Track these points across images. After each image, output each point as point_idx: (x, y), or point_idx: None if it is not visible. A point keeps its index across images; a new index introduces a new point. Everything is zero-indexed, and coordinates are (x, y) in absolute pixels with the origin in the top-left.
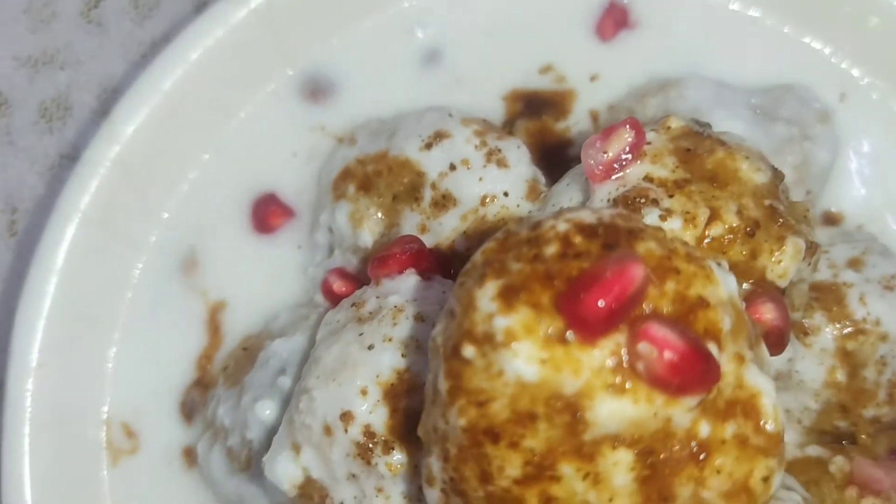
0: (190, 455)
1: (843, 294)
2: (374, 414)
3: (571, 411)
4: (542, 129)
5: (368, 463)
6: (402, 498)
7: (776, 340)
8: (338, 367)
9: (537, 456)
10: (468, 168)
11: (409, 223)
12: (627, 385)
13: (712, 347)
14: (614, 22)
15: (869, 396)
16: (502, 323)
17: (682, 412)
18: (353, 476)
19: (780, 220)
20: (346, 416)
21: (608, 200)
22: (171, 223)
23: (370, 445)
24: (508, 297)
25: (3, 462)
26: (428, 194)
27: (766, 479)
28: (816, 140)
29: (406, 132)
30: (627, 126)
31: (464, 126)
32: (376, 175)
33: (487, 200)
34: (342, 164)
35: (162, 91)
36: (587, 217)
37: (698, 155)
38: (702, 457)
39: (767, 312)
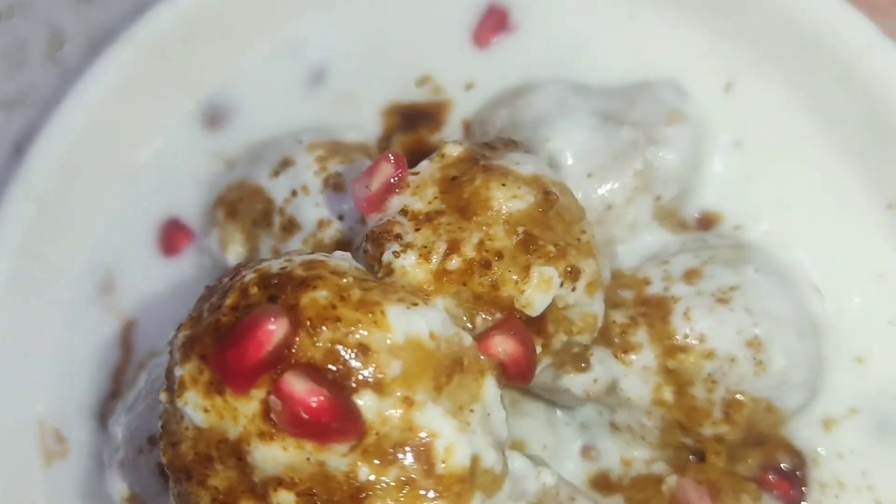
0: None
1: (668, 309)
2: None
3: (237, 455)
4: (418, 141)
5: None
6: None
7: (516, 372)
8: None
9: (221, 494)
10: (307, 194)
11: (265, 247)
12: (274, 433)
13: (367, 394)
14: (492, 27)
15: (703, 415)
16: (179, 372)
17: (335, 457)
18: (159, 493)
19: (533, 247)
20: (152, 440)
21: (365, 236)
22: (90, 249)
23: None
24: (186, 346)
25: None
26: (277, 220)
27: None
28: (663, 142)
29: (261, 160)
30: (389, 159)
31: (308, 152)
32: (239, 201)
33: (324, 224)
34: (217, 191)
35: (73, 132)
36: (274, 267)
37: (460, 184)
38: (361, 496)
39: (500, 346)
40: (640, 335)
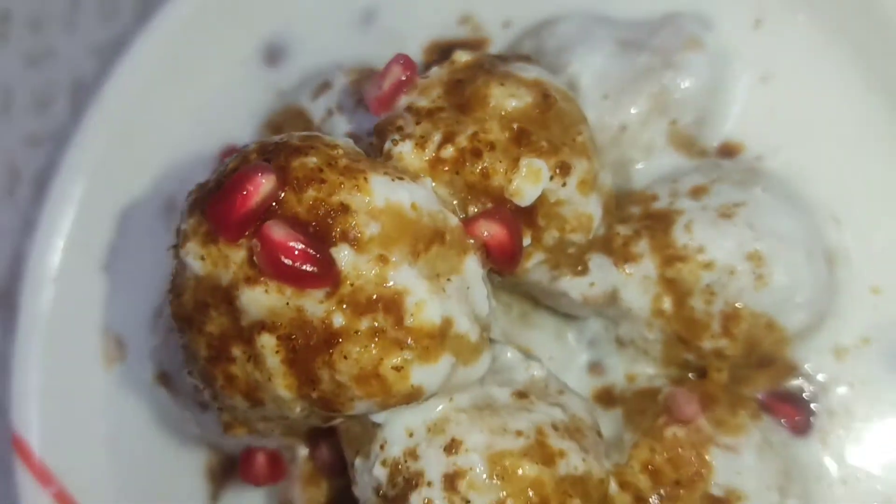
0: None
1: (671, 221)
2: None
3: (227, 300)
4: None
5: None
6: None
7: (500, 255)
8: None
9: (215, 339)
10: (341, 113)
11: None
12: (258, 277)
13: (345, 248)
14: None
15: (702, 327)
16: (183, 227)
17: (312, 303)
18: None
19: (526, 142)
20: None
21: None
22: (157, 175)
23: None
24: (191, 205)
25: (15, 363)
26: None
27: (398, 369)
28: (680, 68)
29: (306, 86)
30: (399, 63)
31: (345, 77)
32: (283, 123)
33: (354, 140)
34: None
35: (144, 71)
36: (274, 139)
37: (463, 85)
38: (334, 342)
39: (485, 230)
40: (642, 246)
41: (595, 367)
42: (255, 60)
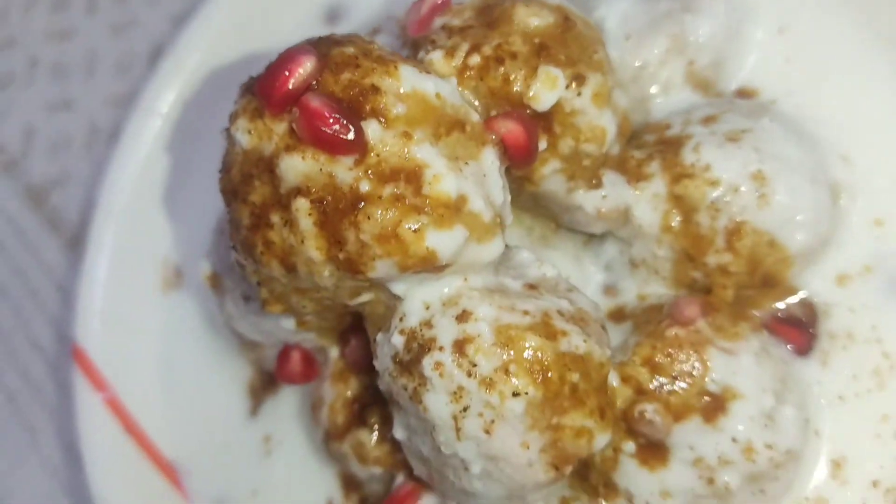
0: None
1: (681, 144)
2: None
3: (270, 169)
4: None
5: None
6: None
7: (517, 151)
8: None
9: (257, 208)
10: None
11: None
12: (297, 145)
13: (373, 123)
14: None
15: (707, 242)
16: (236, 106)
17: (342, 170)
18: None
19: (545, 54)
20: None
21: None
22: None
23: None
24: (244, 89)
25: (81, 283)
26: None
27: (415, 231)
28: (698, 11)
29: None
30: None
31: (394, 22)
32: None
33: None
34: None
35: (214, 28)
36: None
37: (492, 8)
38: (360, 206)
39: (504, 127)
40: (653, 167)
41: (609, 290)
42: (317, 19)
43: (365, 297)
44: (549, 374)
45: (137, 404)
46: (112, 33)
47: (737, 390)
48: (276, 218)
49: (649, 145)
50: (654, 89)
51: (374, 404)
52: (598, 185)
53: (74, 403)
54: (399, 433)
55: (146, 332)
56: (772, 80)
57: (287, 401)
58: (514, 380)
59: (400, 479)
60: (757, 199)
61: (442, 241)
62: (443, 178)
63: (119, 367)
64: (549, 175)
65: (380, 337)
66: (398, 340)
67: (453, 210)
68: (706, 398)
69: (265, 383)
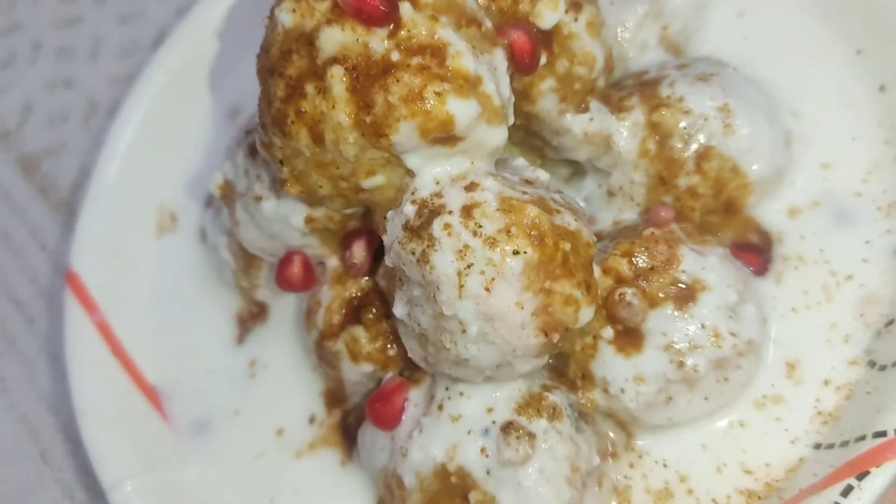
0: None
1: (658, 82)
2: None
3: (309, 42)
4: None
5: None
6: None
7: (522, 56)
8: None
9: (293, 79)
10: None
11: None
12: (338, 18)
13: (406, 4)
14: None
15: (679, 165)
16: None
17: (377, 41)
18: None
19: None
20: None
21: None
22: (226, 87)
23: None
24: None
25: (80, 218)
26: None
27: (438, 94)
28: None
29: None
30: None
31: None
32: None
33: None
34: None
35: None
36: None
37: None
38: (390, 72)
39: (512, 34)
40: (633, 100)
41: (588, 220)
42: None
43: (378, 180)
44: (545, 240)
45: (125, 330)
46: (118, 22)
47: (705, 283)
48: (310, 88)
49: (629, 87)
50: (632, 49)
51: (369, 305)
52: (586, 109)
53: (64, 322)
54: (399, 309)
55: (139, 265)
56: (732, 52)
57: (275, 328)
58: (514, 240)
59: (388, 376)
60: (723, 129)
61: (460, 108)
62: (463, 56)
63: (111, 294)
64: (546, 93)
65: (390, 213)
66: (410, 209)
67: (471, 84)
68: (679, 286)
69: (254, 314)
